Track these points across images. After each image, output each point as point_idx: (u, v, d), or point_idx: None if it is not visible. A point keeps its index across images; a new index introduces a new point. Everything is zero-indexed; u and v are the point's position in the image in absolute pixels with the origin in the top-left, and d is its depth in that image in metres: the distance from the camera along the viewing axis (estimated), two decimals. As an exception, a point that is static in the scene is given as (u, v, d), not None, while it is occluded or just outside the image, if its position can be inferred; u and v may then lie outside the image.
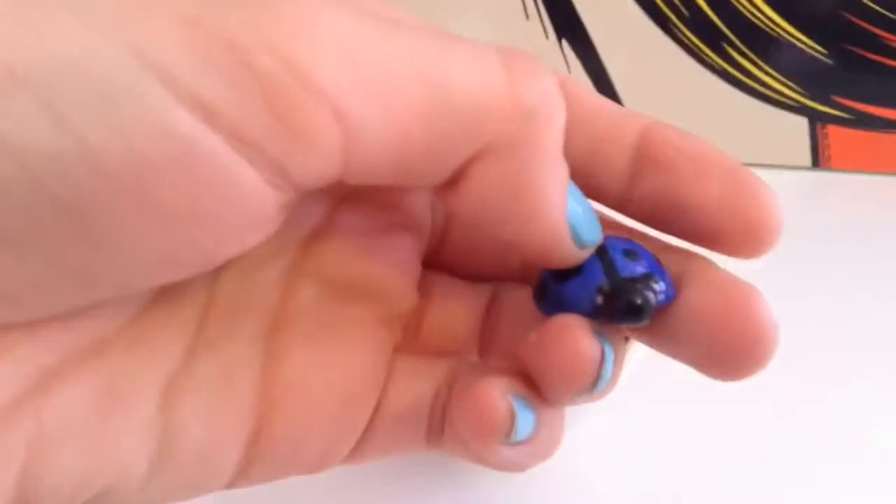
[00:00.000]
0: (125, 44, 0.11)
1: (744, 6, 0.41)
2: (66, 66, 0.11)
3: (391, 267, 0.17)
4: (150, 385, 0.15)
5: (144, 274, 0.13)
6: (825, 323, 0.35)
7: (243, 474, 0.16)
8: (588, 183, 0.16)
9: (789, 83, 0.42)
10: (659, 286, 0.15)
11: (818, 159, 0.44)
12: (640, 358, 0.27)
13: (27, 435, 0.13)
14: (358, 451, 0.17)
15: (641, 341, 0.16)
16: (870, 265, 0.38)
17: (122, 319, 0.15)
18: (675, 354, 0.16)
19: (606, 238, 0.16)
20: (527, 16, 0.42)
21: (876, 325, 0.36)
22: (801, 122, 0.43)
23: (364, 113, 0.12)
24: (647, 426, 0.31)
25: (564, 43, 0.43)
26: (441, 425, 0.17)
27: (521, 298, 0.18)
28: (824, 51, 0.41)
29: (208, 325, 0.16)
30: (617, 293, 0.15)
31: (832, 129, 0.43)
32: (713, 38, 0.42)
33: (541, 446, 0.16)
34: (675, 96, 0.43)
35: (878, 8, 0.40)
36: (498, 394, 0.15)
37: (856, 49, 0.41)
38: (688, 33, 0.42)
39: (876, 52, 0.41)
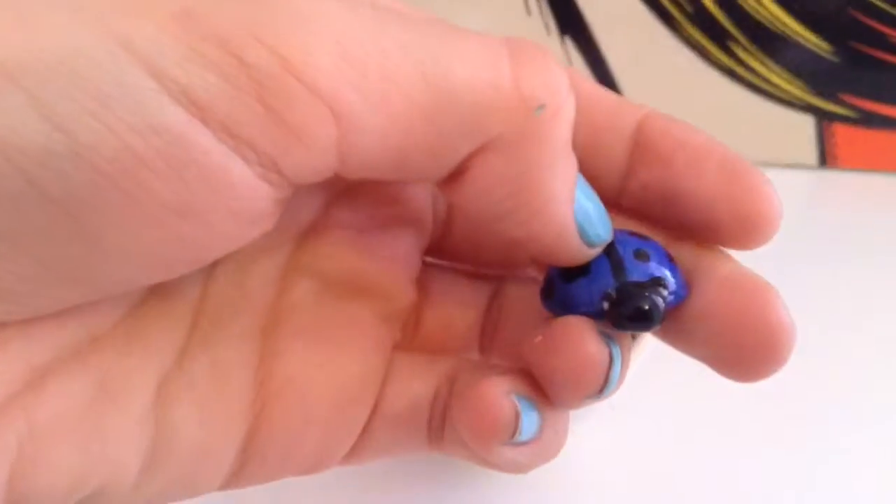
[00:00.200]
0: (115, 38, 0.11)
1: (749, 3, 0.40)
2: (56, 61, 0.11)
3: (389, 263, 0.17)
4: (144, 383, 0.14)
5: (138, 271, 0.13)
6: (832, 322, 0.35)
7: (238, 475, 0.16)
8: (584, 174, 0.15)
9: (795, 81, 0.42)
10: (668, 289, 0.15)
11: (825, 158, 0.44)
12: (644, 357, 0.27)
13: (19, 433, 0.13)
14: (356, 451, 0.17)
15: (655, 336, 0.16)
16: (877, 264, 0.38)
17: (115, 317, 0.15)
18: (689, 353, 0.15)
19: (616, 234, 0.15)
20: (528, 12, 0.42)
21: (883, 324, 0.35)
22: (808, 121, 0.43)
23: (360, 108, 0.12)
24: (647, 425, 0.31)
25: (566, 39, 0.43)
26: (442, 425, 0.17)
27: (524, 294, 0.18)
28: (831, 49, 0.41)
29: (202, 321, 0.15)
30: (624, 300, 0.15)
31: (839, 128, 0.43)
32: (718, 36, 0.41)
33: (545, 447, 0.16)
34: (679, 94, 0.43)
35: (884, 6, 0.39)
36: (502, 393, 0.15)
37: (863, 47, 0.41)
38: (692, 30, 0.41)
39: (883, 50, 0.41)
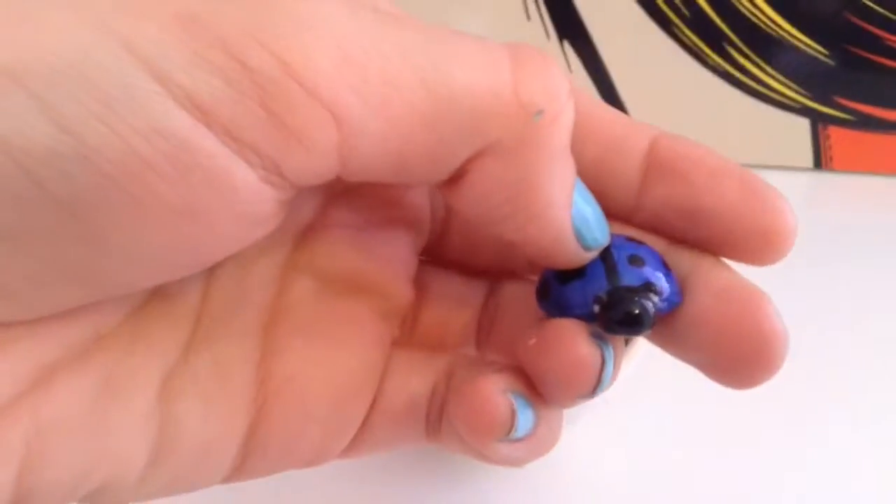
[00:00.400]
0: (121, 41, 0.11)
1: (745, 7, 0.41)
2: (63, 63, 0.11)
3: (387, 262, 0.17)
4: (148, 380, 0.15)
5: (142, 273, 0.13)
6: (827, 324, 0.35)
7: (240, 468, 0.16)
8: (596, 191, 0.16)
9: (791, 84, 0.42)
10: (660, 295, 0.15)
11: (820, 160, 0.44)
12: (639, 358, 0.27)
13: (27, 430, 0.13)
14: (354, 445, 0.17)
15: (650, 341, 0.16)
16: (871, 266, 0.38)
17: (119, 315, 0.15)
18: (683, 358, 0.16)
19: (613, 238, 0.16)
20: (528, 17, 0.42)
21: (878, 326, 0.35)
22: (803, 124, 0.43)
23: (360, 113, 0.12)
24: (645, 424, 0.31)
25: (566, 44, 0.43)
26: (439, 420, 0.17)
27: (520, 292, 0.18)
28: (826, 52, 0.41)
29: (205, 319, 0.16)
30: (614, 304, 0.15)
31: (834, 131, 0.43)
32: (715, 39, 0.42)
33: (540, 442, 0.16)
34: (676, 97, 0.43)
35: (879, 9, 0.40)
36: (498, 391, 0.15)
37: (858, 50, 0.41)
38: (689, 34, 0.42)
39: (878, 54, 0.41)
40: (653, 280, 0.15)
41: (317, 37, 0.12)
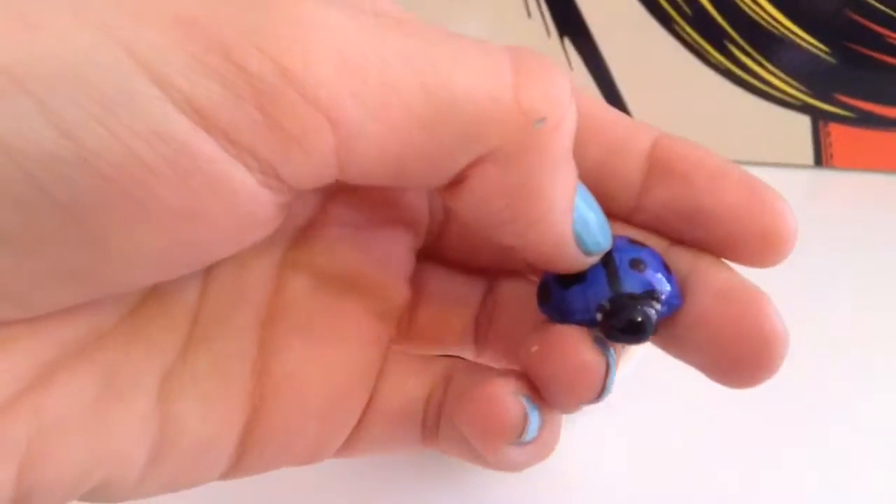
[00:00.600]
0: (121, 45, 0.11)
1: (747, 4, 0.41)
2: (63, 67, 0.11)
3: (384, 261, 0.17)
4: (148, 378, 0.15)
5: (142, 272, 0.13)
6: (828, 321, 0.35)
7: (237, 465, 0.16)
8: (597, 192, 0.16)
9: (792, 81, 0.42)
10: (662, 301, 0.15)
11: (821, 158, 0.44)
12: (638, 358, 0.28)
13: (29, 428, 0.13)
14: (350, 444, 0.17)
15: (651, 343, 0.16)
16: (872, 263, 0.38)
17: (118, 314, 0.15)
18: (682, 358, 0.16)
19: (615, 240, 0.16)
20: (528, 14, 0.42)
21: (879, 324, 0.35)
22: (804, 121, 0.43)
23: (359, 117, 0.12)
24: (644, 424, 0.31)
25: (566, 41, 0.43)
26: (436, 424, 0.17)
27: (519, 290, 0.18)
28: (827, 49, 0.41)
29: (203, 317, 0.16)
30: (616, 311, 0.15)
31: (835, 128, 0.43)
32: (716, 37, 0.42)
33: (543, 446, 0.16)
34: (677, 95, 0.43)
35: (881, 6, 0.40)
36: (509, 394, 0.15)
37: (859, 47, 0.41)
38: (691, 31, 0.42)
39: (879, 51, 0.41)
40: (654, 286, 0.15)
41: (316, 42, 0.12)
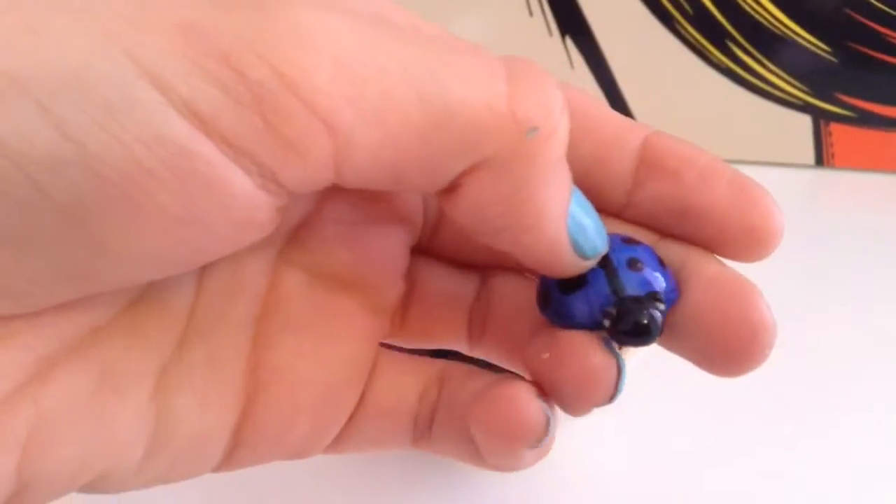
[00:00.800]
0: (122, 50, 0.11)
1: (748, 4, 0.41)
2: (65, 71, 0.11)
3: (379, 258, 0.17)
4: (145, 373, 0.15)
5: (140, 271, 0.13)
6: (828, 320, 0.35)
7: (230, 458, 0.16)
8: (590, 188, 0.16)
9: (793, 81, 0.42)
10: (664, 299, 0.15)
11: (822, 157, 0.44)
12: (638, 358, 0.28)
13: (28, 421, 0.13)
14: (341, 440, 0.17)
15: None
16: (873, 263, 0.38)
17: (115, 309, 0.15)
18: (672, 348, 0.16)
19: (609, 240, 0.16)
20: (530, 13, 0.42)
21: (879, 323, 0.36)
22: (805, 120, 0.43)
23: (355, 124, 0.12)
24: (644, 423, 0.31)
25: (568, 40, 0.43)
26: (429, 424, 0.17)
27: (513, 285, 0.18)
28: (829, 49, 0.41)
29: (199, 313, 0.16)
30: (623, 316, 0.15)
31: (836, 128, 0.43)
32: (717, 36, 0.42)
33: (547, 447, 0.16)
34: (678, 94, 0.43)
35: (882, 6, 0.40)
36: (531, 398, 0.15)
37: (860, 47, 0.41)
38: (692, 31, 0.42)
39: (881, 51, 0.41)
40: (656, 287, 0.15)
41: (315, 49, 0.12)
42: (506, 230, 0.14)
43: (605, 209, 0.16)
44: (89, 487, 0.15)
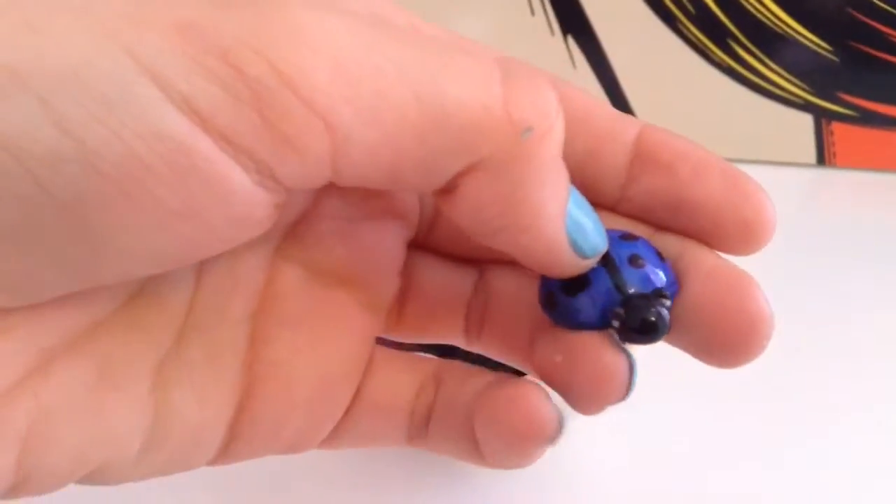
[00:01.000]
0: (122, 48, 0.11)
1: (751, 3, 0.41)
2: (65, 68, 0.11)
3: (375, 254, 0.17)
4: (143, 366, 0.15)
5: (138, 266, 0.14)
6: (829, 320, 0.35)
7: (226, 452, 0.16)
8: (584, 182, 0.16)
9: (795, 80, 0.42)
10: (668, 294, 0.15)
11: (823, 156, 0.44)
12: (638, 357, 0.28)
13: (28, 414, 0.14)
14: (336, 435, 0.17)
15: None
16: (874, 262, 0.38)
17: (114, 303, 0.15)
18: (672, 341, 0.16)
19: (608, 237, 0.16)
20: (532, 12, 0.42)
21: (879, 322, 0.36)
22: (807, 120, 0.43)
23: (353, 123, 0.12)
24: (644, 421, 0.31)
25: (570, 39, 0.43)
26: (424, 422, 0.17)
27: (511, 279, 0.18)
28: (830, 48, 0.41)
29: (197, 307, 0.16)
30: (631, 315, 0.15)
31: (837, 127, 0.43)
32: (719, 35, 0.42)
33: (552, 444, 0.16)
34: (680, 93, 0.43)
35: (884, 6, 0.40)
36: (545, 398, 0.15)
37: (862, 46, 0.41)
38: (694, 30, 0.42)
39: (882, 50, 0.41)
40: (659, 284, 0.15)
41: (312, 49, 0.12)
42: (503, 231, 0.14)
43: (599, 203, 0.16)
44: (87, 479, 0.15)
